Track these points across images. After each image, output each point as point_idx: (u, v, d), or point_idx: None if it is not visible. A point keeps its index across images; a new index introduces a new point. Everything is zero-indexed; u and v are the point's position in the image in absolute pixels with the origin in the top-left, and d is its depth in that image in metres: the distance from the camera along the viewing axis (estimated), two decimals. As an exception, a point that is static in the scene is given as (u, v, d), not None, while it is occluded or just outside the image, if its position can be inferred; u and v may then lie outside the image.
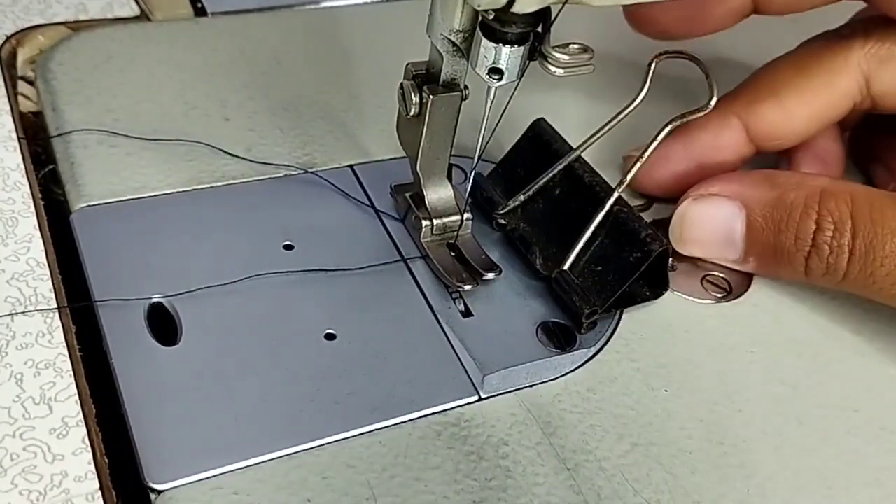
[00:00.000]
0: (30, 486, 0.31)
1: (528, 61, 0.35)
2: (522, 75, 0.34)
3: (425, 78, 0.39)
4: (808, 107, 0.43)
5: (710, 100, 0.39)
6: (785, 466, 0.37)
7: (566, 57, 0.33)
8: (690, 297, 0.44)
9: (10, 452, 0.32)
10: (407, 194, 0.43)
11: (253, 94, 0.49)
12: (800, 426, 0.39)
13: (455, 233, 0.42)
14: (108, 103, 0.46)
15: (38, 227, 0.40)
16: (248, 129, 0.47)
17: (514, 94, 0.35)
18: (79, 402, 0.34)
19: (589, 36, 0.36)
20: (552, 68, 0.33)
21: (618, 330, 0.41)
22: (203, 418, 0.34)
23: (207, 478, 0.32)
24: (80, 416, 0.33)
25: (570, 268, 0.40)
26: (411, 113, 0.39)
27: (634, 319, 0.42)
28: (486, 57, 0.34)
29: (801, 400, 0.40)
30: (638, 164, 0.41)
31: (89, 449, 0.33)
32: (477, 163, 0.40)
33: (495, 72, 0.34)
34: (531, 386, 0.38)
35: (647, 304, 0.42)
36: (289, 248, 0.41)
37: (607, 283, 0.40)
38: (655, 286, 0.42)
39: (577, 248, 0.40)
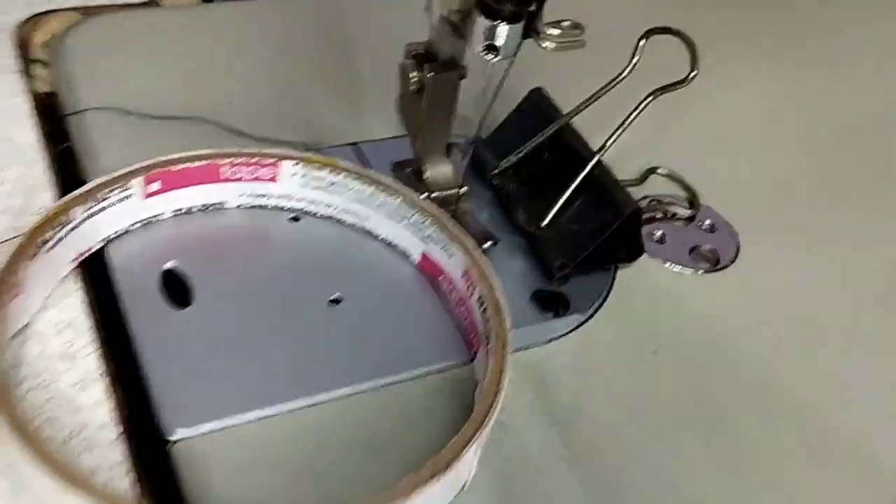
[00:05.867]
0: (54, 433, 0.33)
1: (522, 39, 0.37)
2: (517, 52, 0.36)
3: (425, 57, 0.41)
4: None
5: (690, 73, 0.41)
6: (768, 422, 0.39)
7: (558, 32, 0.35)
8: (679, 268, 0.46)
9: (35, 404, 0.34)
10: (408, 170, 0.45)
11: (258, 76, 0.51)
12: (781, 388, 0.41)
13: (453, 206, 0.44)
14: (119, 84, 0.48)
15: (54, 198, 0.42)
16: (255, 109, 0.49)
17: (508, 69, 0.37)
18: (98, 358, 0.36)
19: (584, 14, 0.38)
20: (545, 43, 0.35)
21: (609, 298, 0.43)
22: (215, 374, 0.36)
23: (220, 428, 0.34)
24: (100, 372, 0.35)
25: (550, 225, 0.43)
26: (411, 91, 0.41)
27: (625, 288, 0.44)
28: (482, 34, 0.36)
29: (784, 365, 0.42)
30: (619, 131, 0.43)
31: (108, 401, 0.34)
32: (475, 137, 0.42)
33: (492, 49, 0.36)
34: (526, 348, 0.40)
35: (639, 274, 0.44)
36: (295, 219, 0.43)
37: (580, 241, 0.42)
38: (631, 250, 0.44)
39: (556, 206, 0.43)
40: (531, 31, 0.35)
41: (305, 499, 0.33)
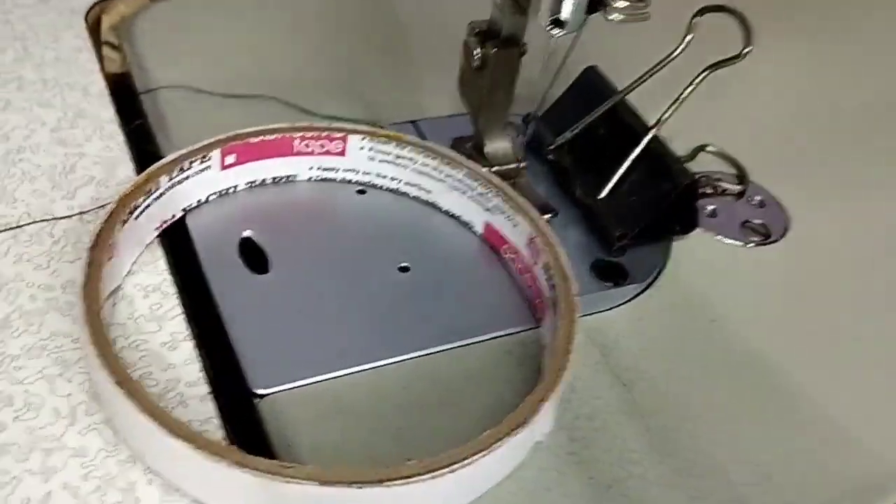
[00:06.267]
0: (149, 389, 0.35)
1: (587, 15, 0.38)
2: (582, 27, 0.38)
3: (487, 34, 0.43)
4: None
5: (744, 49, 0.43)
6: (820, 380, 0.40)
7: (625, 5, 0.36)
8: (731, 241, 0.47)
9: (128, 361, 0.36)
10: (467, 145, 0.47)
11: (320, 56, 0.53)
12: (834, 348, 0.42)
13: (513, 179, 0.45)
14: (189, 64, 0.50)
15: (134, 171, 0.44)
16: (318, 88, 0.50)
17: (573, 45, 0.39)
18: (185, 320, 0.38)
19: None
20: (612, 15, 0.36)
21: (665, 269, 0.45)
22: (296, 335, 0.38)
23: (304, 385, 0.36)
24: (188, 332, 0.37)
25: (606, 198, 0.44)
26: (475, 67, 0.43)
27: (680, 260, 0.45)
28: (549, 9, 0.38)
29: (836, 329, 0.43)
30: (675, 106, 0.44)
31: (198, 360, 0.36)
32: (537, 110, 0.43)
33: (557, 23, 0.38)
34: (588, 315, 0.42)
35: (693, 247, 0.46)
36: (361, 192, 0.45)
37: (638, 212, 0.44)
38: (686, 222, 0.45)
39: (614, 179, 0.44)
40: (598, 3, 0.37)
41: (384, 450, 0.35)
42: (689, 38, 0.45)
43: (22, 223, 0.40)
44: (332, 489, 0.30)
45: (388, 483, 0.30)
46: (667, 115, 0.45)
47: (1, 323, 0.36)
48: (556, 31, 0.39)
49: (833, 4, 0.67)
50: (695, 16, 0.45)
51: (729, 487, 0.36)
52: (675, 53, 0.45)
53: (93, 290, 0.34)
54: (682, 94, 0.45)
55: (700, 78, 0.44)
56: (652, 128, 0.45)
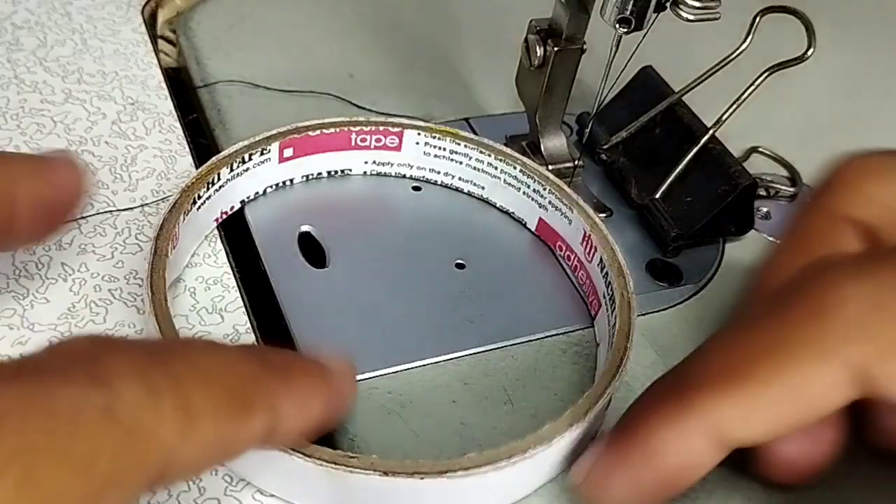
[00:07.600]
0: (211, 379, 0.35)
1: (654, 13, 0.38)
2: (650, 26, 0.38)
3: (548, 33, 0.43)
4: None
5: (807, 50, 0.42)
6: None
7: (699, 4, 0.36)
8: (785, 243, 0.47)
9: (191, 351, 0.36)
10: (523, 143, 0.47)
11: (374, 53, 0.53)
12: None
13: (569, 179, 0.45)
14: (245, 59, 0.50)
15: (193, 164, 0.44)
16: (372, 84, 0.51)
17: (641, 42, 0.39)
18: (246, 313, 0.38)
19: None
20: (684, 14, 0.36)
21: (720, 270, 0.44)
22: (356, 329, 0.38)
23: (364, 378, 0.36)
24: (249, 325, 0.37)
25: (662, 198, 0.44)
26: (535, 65, 0.43)
27: (734, 261, 0.45)
28: (616, 7, 0.38)
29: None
30: (735, 107, 0.44)
31: (258, 352, 0.36)
32: (596, 109, 0.43)
33: (624, 21, 0.38)
34: (643, 314, 0.41)
35: (747, 248, 0.46)
36: (417, 188, 0.45)
37: (695, 212, 0.44)
38: (741, 223, 0.45)
39: (670, 179, 0.44)
40: (672, 2, 0.36)
41: (443, 445, 0.35)
42: (751, 38, 0.44)
43: (85, 214, 0.40)
44: (395, 479, 0.30)
45: (451, 474, 0.31)
46: (727, 115, 0.44)
47: (67, 313, 0.37)
48: (622, 30, 0.39)
49: (889, 4, 0.67)
50: (758, 15, 0.44)
51: (789, 488, 0.36)
52: (737, 53, 0.45)
53: (158, 280, 0.34)
54: (742, 94, 0.44)
55: (762, 79, 0.44)
56: (711, 128, 0.44)
